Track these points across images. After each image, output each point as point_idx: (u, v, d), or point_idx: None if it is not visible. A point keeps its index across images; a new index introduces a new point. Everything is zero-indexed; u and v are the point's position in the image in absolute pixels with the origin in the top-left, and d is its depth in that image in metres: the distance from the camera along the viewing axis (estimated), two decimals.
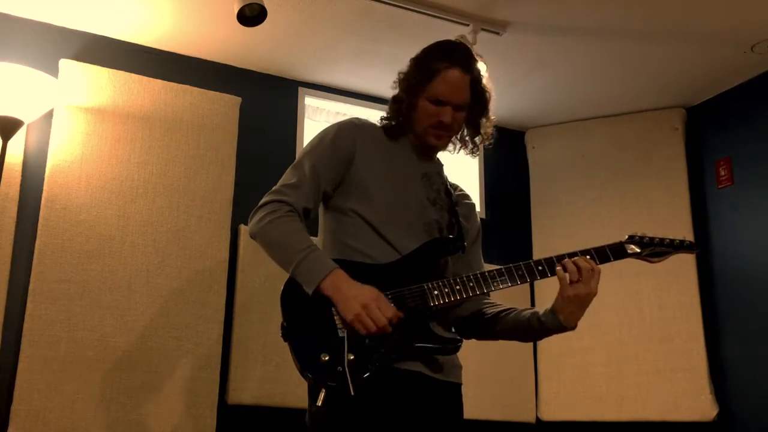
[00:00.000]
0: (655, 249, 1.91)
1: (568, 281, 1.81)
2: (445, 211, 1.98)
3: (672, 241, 1.93)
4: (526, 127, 4.16)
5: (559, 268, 1.82)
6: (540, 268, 1.85)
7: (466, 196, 2.13)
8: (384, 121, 2.02)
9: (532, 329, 1.92)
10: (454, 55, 1.94)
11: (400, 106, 1.97)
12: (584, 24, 3.19)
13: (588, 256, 1.85)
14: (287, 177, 1.92)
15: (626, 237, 1.92)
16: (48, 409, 2.77)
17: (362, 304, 1.70)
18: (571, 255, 1.84)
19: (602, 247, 1.88)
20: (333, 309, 1.75)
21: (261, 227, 1.85)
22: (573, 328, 1.86)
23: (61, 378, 2.81)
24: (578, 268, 1.81)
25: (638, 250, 1.90)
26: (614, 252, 1.88)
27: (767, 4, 3.02)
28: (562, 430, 3.71)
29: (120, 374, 2.90)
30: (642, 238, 1.91)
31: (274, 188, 1.91)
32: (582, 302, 1.82)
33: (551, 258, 1.85)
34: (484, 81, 2.01)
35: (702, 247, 3.65)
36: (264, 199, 1.90)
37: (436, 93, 1.92)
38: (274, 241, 1.84)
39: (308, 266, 1.76)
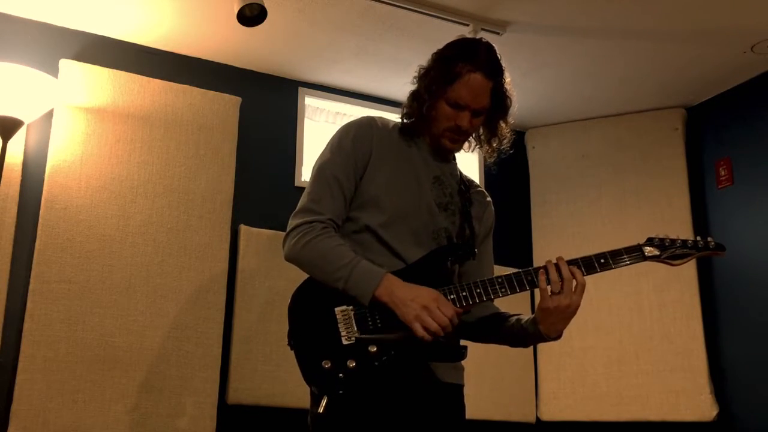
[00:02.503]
0: (675, 251, 1.82)
1: (548, 292, 1.75)
2: (456, 215, 1.94)
3: (695, 242, 1.84)
4: (526, 127, 4.16)
5: (542, 277, 1.76)
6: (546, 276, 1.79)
7: (483, 194, 2.08)
8: (403, 118, 1.98)
9: (517, 336, 1.90)
10: (478, 59, 1.88)
11: (420, 104, 1.92)
12: (584, 24, 3.19)
13: (602, 260, 1.79)
14: (312, 192, 1.87)
15: (645, 239, 1.84)
16: (48, 409, 2.77)
17: (422, 305, 1.69)
18: (572, 262, 1.79)
19: (619, 249, 1.81)
20: (338, 317, 1.75)
21: (298, 250, 1.80)
22: (555, 338, 1.81)
23: (61, 378, 2.81)
24: (561, 278, 1.75)
25: (657, 253, 1.81)
26: (631, 255, 1.81)
27: (767, 4, 3.02)
28: (562, 430, 3.71)
29: (120, 374, 2.90)
30: (663, 240, 1.83)
31: (301, 207, 1.87)
32: (562, 314, 1.76)
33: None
34: (507, 86, 1.96)
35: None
36: (294, 222, 1.85)
37: (456, 97, 1.87)
38: (315, 262, 1.79)
39: (358, 279, 1.73)
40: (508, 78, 1.96)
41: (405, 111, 1.98)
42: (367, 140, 1.90)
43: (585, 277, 1.78)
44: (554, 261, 1.78)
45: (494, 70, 1.91)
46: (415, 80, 1.98)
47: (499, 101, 1.94)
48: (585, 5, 3.05)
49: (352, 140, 1.90)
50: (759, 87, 3.59)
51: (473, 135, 2.00)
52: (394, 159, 1.92)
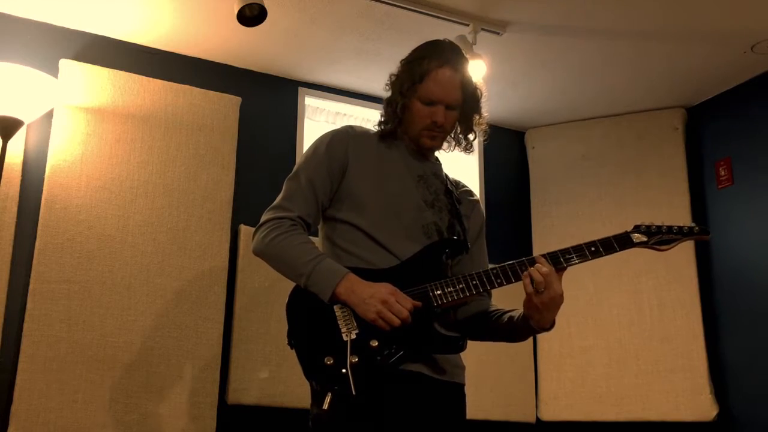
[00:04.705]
0: (662, 237, 1.88)
1: (533, 291, 1.77)
2: (444, 212, 1.97)
3: (681, 228, 1.89)
4: (526, 127, 4.16)
5: (526, 280, 1.78)
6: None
7: (469, 193, 2.12)
8: (380, 125, 2.02)
9: (511, 333, 1.94)
10: (443, 55, 1.95)
11: (394, 109, 1.97)
12: (584, 24, 3.19)
13: (593, 248, 1.82)
14: (285, 192, 1.93)
15: (632, 227, 1.89)
16: (48, 409, 2.77)
17: (381, 300, 1.72)
18: (564, 251, 1.82)
19: (607, 237, 1.85)
20: (337, 313, 1.76)
21: (265, 245, 1.85)
22: (549, 329, 1.85)
23: (61, 378, 2.81)
24: (542, 276, 1.77)
25: (645, 239, 1.87)
26: (620, 242, 1.85)
27: (767, 4, 3.02)
28: (562, 430, 3.71)
29: (120, 374, 2.90)
30: (649, 226, 1.88)
31: (273, 205, 1.92)
32: (548, 307, 1.79)
33: (555, 252, 1.83)
34: (474, 78, 2.02)
35: (702, 247, 3.65)
36: (264, 217, 1.90)
37: (428, 94, 1.92)
38: (281, 257, 1.84)
39: (319, 276, 1.77)
40: (473, 72, 2.02)
41: (382, 119, 2.03)
42: (343, 146, 1.94)
43: (580, 265, 1.83)
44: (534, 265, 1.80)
45: (460, 63, 1.97)
46: (387, 88, 2.03)
47: (470, 93, 1.99)
48: (585, 5, 3.05)
49: (327, 146, 1.94)
50: (759, 87, 3.59)
51: (451, 134, 2.04)
52: (376, 161, 1.95)
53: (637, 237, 1.87)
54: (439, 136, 1.98)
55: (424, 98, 1.93)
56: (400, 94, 1.96)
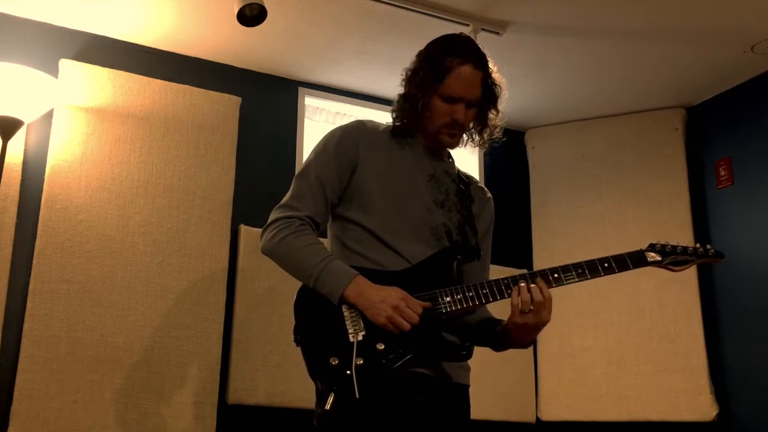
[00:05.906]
0: (677, 257, 1.87)
1: (519, 309, 1.77)
2: (454, 212, 1.94)
3: (695, 249, 1.89)
4: (526, 127, 4.16)
5: (515, 293, 1.77)
6: (556, 275, 1.81)
7: (482, 190, 2.09)
8: (393, 121, 1.99)
9: (495, 343, 1.96)
10: (465, 51, 1.91)
11: (413, 104, 1.93)
12: (584, 24, 3.19)
13: (606, 264, 1.81)
14: (294, 190, 1.91)
15: (647, 245, 1.88)
16: (48, 409, 2.77)
17: (392, 305, 1.71)
18: (576, 266, 1.82)
19: (622, 255, 1.84)
20: (345, 314, 1.76)
21: (274, 244, 1.84)
22: (526, 347, 1.89)
23: (61, 378, 2.81)
24: (531, 297, 1.76)
25: (659, 259, 1.86)
26: (634, 260, 1.84)
27: (767, 4, 3.02)
28: (562, 430, 3.71)
29: (120, 374, 2.90)
30: (664, 246, 1.87)
31: (281, 203, 1.90)
32: (531, 330, 1.80)
33: (567, 266, 1.82)
34: (495, 75, 1.97)
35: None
36: (273, 216, 1.88)
37: (450, 91, 1.89)
38: (289, 258, 1.83)
39: (328, 278, 1.76)
40: (494, 67, 1.98)
41: (396, 114, 1.99)
42: (353, 143, 1.91)
43: (590, 280, 1.82)
44: (529, 282, 1.79)
45: (481, 60, 1.93)
46: (403, 83, 1.99)
47: (490, 90, 1.96)
48: (585, 5, 3.05)
49: (337, 143, 1.91)
50: (759, 87, 3.59)
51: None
52: (386, 159, 1.92)
53: (651, 256, 1.86)
54: (458, 133, 1.95)
55: (445, 95, 1.89)
56: (420, 90, 1.91)
